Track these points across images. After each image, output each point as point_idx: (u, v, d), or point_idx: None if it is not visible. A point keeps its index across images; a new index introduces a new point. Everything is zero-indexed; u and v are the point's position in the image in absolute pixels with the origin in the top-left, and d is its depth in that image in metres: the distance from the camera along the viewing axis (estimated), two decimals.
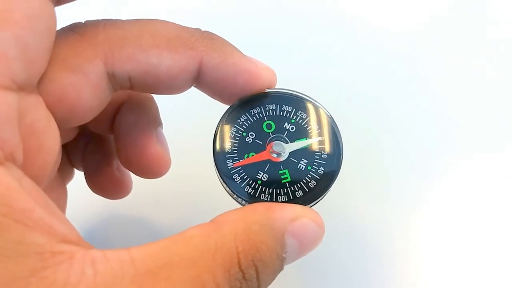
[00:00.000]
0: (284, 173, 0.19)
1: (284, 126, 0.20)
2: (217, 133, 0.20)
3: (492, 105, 0.34)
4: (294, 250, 0.17)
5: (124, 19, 0.19)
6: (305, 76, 0.35)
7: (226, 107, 0.20)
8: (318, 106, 0.20)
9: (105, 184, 0.25)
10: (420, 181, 0.31)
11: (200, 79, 0.19)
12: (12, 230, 0.13)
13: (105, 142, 0.25)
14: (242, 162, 0.19)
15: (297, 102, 0.20)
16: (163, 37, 0.18)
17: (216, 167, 0.19)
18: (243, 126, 0.20)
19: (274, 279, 0.16)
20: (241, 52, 0.20)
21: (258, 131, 0.20)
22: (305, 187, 0.19)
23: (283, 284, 0.18)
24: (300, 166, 0.19)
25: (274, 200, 0.18)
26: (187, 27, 0.19)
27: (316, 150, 0.19)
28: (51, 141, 0.17)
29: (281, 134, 0.19)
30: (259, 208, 0.17)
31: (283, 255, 0.16)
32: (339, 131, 0.20)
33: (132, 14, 0.20)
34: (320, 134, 0.20)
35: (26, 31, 0.15)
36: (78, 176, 0.26)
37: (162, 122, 0.24)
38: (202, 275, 0.14)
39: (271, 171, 0.19)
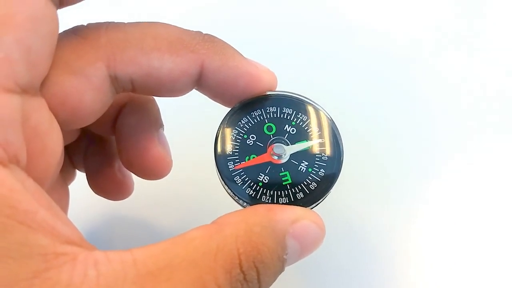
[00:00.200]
0: (285, 175, 0.19)
1: (284, 129, 0.20)
2: (218, 136, 0.20)
3: (492, 106, 0.34)
4: (295, 251, 0.17)
5: (126, 22, 0.19)
6: (305, 78, 0.35)
7: (227, 109, 0.21)
8: (318, 108, 0.20)
9: (107, 185, 0.25)
10: (419, 182, 0.31)
11: (202, 82, 0.19)
12: (15, 231, 0.13)
13: (107, 143, 0.25)
14: (243, 164, 0.19)
15: (297, 104, 0.20)
16: (164, 40, 0.18)
17: (218, 169, 0.19)
18: (244, 128, 0.20)
19: (275, 280, 0.17)
20: (242, 55, 0.20)
21: (259, 134, 0.20)
22: (306, 189, 0.19)
23: (283, 285, 0.18)
24: (301, 168, 0.19)
25: (275, 202, 0.19)
26: (189, 30, 0.19)
27: (316, 152, 0.19)
28: (54, 143, 0.17)
29: (281, 136, 0.20)
30: (260, 209, 0.17)
31: (284, 256, 0.16)
32: (339, 133, 0.20)
33: (133, 16, 0.20)
34: (321, 136, 0.20)
35: (29, 34, 0.15)
36: (80, 177, 0.26)
37: (164, 124, 0.24)
38: (204, 277, 0.15)
39: (272, 173, 0.19)
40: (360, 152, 0.31)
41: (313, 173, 0.19)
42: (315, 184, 0.19)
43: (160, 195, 0.29)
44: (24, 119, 0.16)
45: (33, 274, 0.13)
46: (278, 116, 0.20)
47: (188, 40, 0.19)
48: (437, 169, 0.31)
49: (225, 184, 0.19)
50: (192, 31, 0.19)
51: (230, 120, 0.20)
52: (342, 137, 0.20)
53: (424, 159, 0.32)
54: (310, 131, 0.20)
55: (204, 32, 0.20)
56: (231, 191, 0.19)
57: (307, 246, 0.17)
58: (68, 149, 0.25)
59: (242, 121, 0.20)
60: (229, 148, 0.19)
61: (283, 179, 0.19)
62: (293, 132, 0.20)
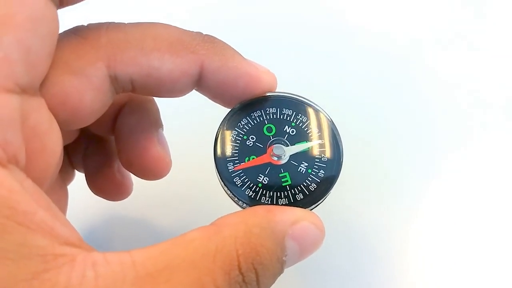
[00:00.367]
0: (285, 176, 0.19)
1: (284, 129, 0.20)
2: (218, 137, 0.20)
3: (491, 106, 0.34)
4: (295, 253, 0.17)
5: (126, 22, 0.19)
6: (305, 78, 0.35)
7: (226, 110, 0.21)
8: (318, 109, 0.20)
9: (106, 185, 0.25)
10: (419, 182, 0.31)
11: (201, 83, 0.19)
12: (14, 232, 0.13)
13: (106, 143, 0.25)
14: (243, 165, 0.19)
15: (297, 105, 0.20)
16: (164, 41, 0.18)
17: (217, 170, 0.19)
18: (244, 129, 0.20)
19: (274, 282, 0.17)
20: (242, 56, 0.20)
21: (258, 135, 0.20)
22: (305, 190, 0.19)
23: (282, 285, 0.18)
24: (301, 169, 0.19)
25: (274, 203, 0.19)
26: (189, 31, 0.19)
27: (316, 153, 0.19)
28: (53, 143, 0.17)
29: (281, 137, 0.20)
30: (259, 211, 0.17)
31: (283, 258, 0.16)
32: (339, 134, 0.20)
33: (133, 16, 0.20)
34: (321, 137, 0.20)
35: (29, 35, 0.15)
36: (79, 177, 0.26)
37: (163, 124, 0.24)
38: (202, 278, 0.14)
39: (272, 174, 0.19)
40: (359, 152, 0.31)
41: (312, 174, 0.19)
42: (314, 185, 0.19)
43: (159, 195, 0.29)
44: (23, 119, 0.16)
45: (32, 275, 0.13)
46: (278, 117, 0.20)
47: (188, 40, 0.19)
48: (437, 169, 0.31)
49: (225, 185, 0.19)
50: (192, 32, 0.19)
51: (229, 121, 0.20)
52: (341, 138, 0.20)
53: (424, 159, 0.32)
54: (310, 132, 0.20)
55: (204, 33, 0.20)
56: (231, 192, 0.19)
57: (306, 247, 0.17)
58: (67, 149, 0.25)
59: (241, 122, 0.20)
60: (228, 149, 0.19)
61: (282, 180, 0.19)
62: (293, 133, 0.20)
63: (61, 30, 0.17)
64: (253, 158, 0.19)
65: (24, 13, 0.15)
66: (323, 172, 0.19)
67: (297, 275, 0.26)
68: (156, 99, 0.24)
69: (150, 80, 0.19)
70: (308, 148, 0.19)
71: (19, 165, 0.15)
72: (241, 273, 0.15)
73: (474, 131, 0.33)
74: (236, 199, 0.19)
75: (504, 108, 0.34)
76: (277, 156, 0.19)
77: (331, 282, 0.26)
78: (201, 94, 0.21)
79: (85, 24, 0.19)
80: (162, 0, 0.39)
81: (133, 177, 0.25)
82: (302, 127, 0.20)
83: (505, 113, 0.34)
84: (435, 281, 0.27)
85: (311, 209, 0.19)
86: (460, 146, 0.32)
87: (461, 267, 0.27)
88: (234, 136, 0.20)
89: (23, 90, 0.16)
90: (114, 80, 0.19)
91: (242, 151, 0.19)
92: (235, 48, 0.20)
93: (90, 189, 0.25)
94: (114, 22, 0.19)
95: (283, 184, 0.19)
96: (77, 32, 0.18)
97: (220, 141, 0.20)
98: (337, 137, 0.20)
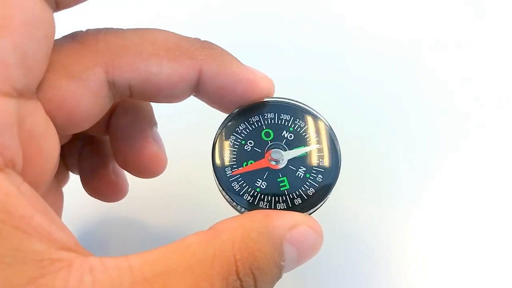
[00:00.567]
0: (283, 181, 0.19)
1: (282, 134, 0.20)
2: (216, 141, 0.20)
3: (490, 107, 0.34)
4: (293, 258, 0.17)
5: (124, 28, 0.19)
6: (303, 81, 0.35)
7: (225, 115, 0.21)
8: (316, 115, 0.20)
9: (102, 187, 0.25)
10: (417, 182, 0.31)
11: (199, 88, 0.19)
12: (11, 237, 0.13)
13: (101, 144, 0.25)
14: (241, 170, 0.19)
15: (295, 110, 0.20)
16: (162, 46, 0.19)
17: (215, 175, 0.19)
18: (242, 134, 0.20)
19: (272, 287, 0.16)
20: (239, 62, 0.20)
21: (256, 139, 0.20)
22: (303, 195, 0.19)
23: (280, 285, 0.18)
24: (299, 174, 0.19)
25: (273, 207, 0.19)
26: (187, 37, 0.19)
27: (314, 158, 0.19)
28: (50, 147, 0.17)
29: (279, 142, 0.20)
30: (257, 215, 0.17)
31: (282, 263, 0.16)
32: (337, 139, 0.20)
33: (130, 19, 0.20)
34: (318, 142, 0.20)
35: (25, 38, 0.15)
36: (73, 178, 0.26)
37: (161, 125, 0.24)
38: (200, 283, 0.14)
39: (270, 178, 0.19)
40: (358, 153, 0.31)
41: (311, 179, 0.19)
42: (313, 190, 0.19)
43: (155, 196, 0.29)
44: (20, 123, 0.16)
45: (28, 280, 0.13)
46: (276, 122, 0.20)
47: (186, 46, 0.19)
48: (436, 169, 0.31)
49: (223, 190, 0.19)
50: (190, 38, 0.19)
51: (228, 126, 0.20)
52: (340, 142, 0.20)
53: (422, 160, 0.32)
54: (308, 137, 0.20)
55: (202, 37, 0.20)
56: (229, 197, 0.19)
57: (304, 252, 0.17)
58: (62, 151, 0.25)
59: (240, 127, 0.20)
60: (226, 154, 0.19)
61: (280, 184, 0.19)
62: (291, 138, 0.20)
63: (57, 33, 0.17)
64: (251, 163, 0.19)
65: (20, 17, 0.15)
66: (321, 177, 0.19)
67: (294, 276, 0.26)
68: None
69: (148, 86, 0.19)
70: (306, 152, 0.19)
71: (16, 169, 0.15)
72: (239, 278, 0.15)
73: (472, 131, 0.33)
74: (235, 204, 0.19)
75: (502, 109, 0.34)
76: (275, 161, 0.19)
77: (329, 283, 0.26)
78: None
79: (83, 30, 0.19)
80: (160, 4, 0.39)
81: (128, 177, 0.25)
82: (300, 132, 0.20)
83: (504, 114, 0.34)
84: (434, 281, 0.27)
85: (310, 214, 0.19)
86: (459, 147, 0.32)
87: (460, 267, 0.27)
88: (232, 141, 0.20)
89: (20, 94, 0.16)
90: (112, 86, 0.18)
91: (240, 156, 0.19)
92: (233, 51, 0.20)
93: (86, 190, 0.25)
94: (112, 28, 0.19)
95: (281, 189, 0.19)
96: (75, 37, 0.18)
97: (218, 146, 0.20)
98: (335, 142, 0.20)
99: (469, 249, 0.28)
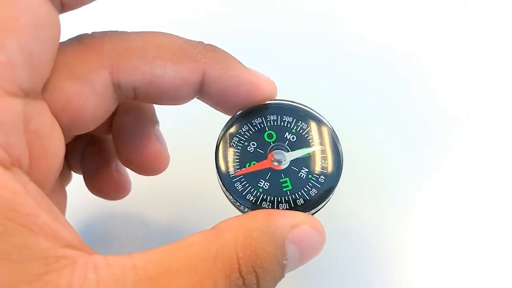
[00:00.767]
0: (285, 181, 0.19)
1: (285, 136, 0.20)
2: (219, 142, 0.20)
3: (488, 107, 0.34)
4: (295, 257, 0.17)
5: (129, 31, 0.19)
6: (304, 84, 0.35)
7: (227, 117, 0.21)
8: (318, 117, 0.20)
9: (105, 185, 0.25)
10: (418, 182, 0.31)
11: (203, 90, 0.20)
12: (17, 234, 0.13)
13: (103, 143, 0.25)
14: (244, 170, 0.19)
15: (297, 113, 0.20)
16: (167, 49, 0.19)
17: (218, 176, 0.19)
18: (245, 135, 0.20)
19: (275, 286, 0.17)
20: (242, 64, 0.20)
21: (259, 141, 0.20)
22: (306, 195, 0.19)
23: (281, 285, 0.18)
24: (301, 174, 0.19)
25: (275, 208, 0.19)
26: (190, 40, 0.20)
27: (317, 159, 0.19)
28: (55, 147, 0.18)
29: (282, 143, 0.20)
30: (260, 215, 0.17)
31: (284, 262, 0.16)
32: (339, 140, 0.20)
33: (135, 24, 0.20)
34: (321, 143, 0.20)
35: (31, 39, 0.15)
36: (75, 176, 0.26)
37: (163, 123, 0.24)
38: (203, 281, 0.15)
39: (273, 179, 0.19)
40: (358, 153, 0.31)
41: (313, 180, 0.19)
42: (315, 190, 0.19)
43: (157, 194, 0.29)
44: (26, 122, 0.16)
45: (34, 277, 0.13)
46: (279, 124, 0.20)
47: (190, 49, 0.19)
48: (436, 169, 0.31)
49: (226, 191, 0.19)
50: (194, 41, 0.20)
51: (231, 127, 0.20)
52: (341, 143, 0.20)
53: (422, 160, 0.32)
54: (310, 139, 0.20)
55: (205, 40, 0.20)
56: (232, 197, 0.19)
57: (306, 251, 0.17)
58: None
59: (243, 128, 0.20)
60: (230, 154, 0.20)
61: (283, 185, 0.19)
62: (293, 140, 0.20)
63: (62, 36, 0.18)
64: (254, 164, 0.19)
65: (27, 18, 0.15)
66: (324, 178, 0.19)
67: (295, 275, 0.26)
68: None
69: (153, 88, 0.19)
70: (309, 154, 0.20)
71: (22, 168, 0.15)
72: (242, 276, 0.15)
73: (472, 131, 0.33)
74: (238, 204, 0.19)
75: (501, 110, 0.34)
76: (278, 161, 0.19)
77: (330, 283, 0.26)
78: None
79: (89, 32, 0.19)
80: (163, 6, 0.40)
81: (131, 175, 0.25)
82: (303, 134, 0.20)
83: (504, 114, 0.34)
84: (435, 281, 0.27)
85: (312, 214, 0.19)
86: (459, 147, 0.32)
87: (461, 267, 0.27)
88: (236, 142, 0.20)
89: (26, 94, 0.16)
90: (117, 88, 0.19)
91: (243, 156, 0.20)
92: (235, 55, 0.20)
93: (89, 189, 0.25)
94: (117, 31, 0.19)
95: (284, 190, 0.19)
96: (80, 39, 0.19)
97: (222, 147, 0.20)
98: (337, 143, 0.20)
99: (469, 249, 0.28)
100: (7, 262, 0.13)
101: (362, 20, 0.40)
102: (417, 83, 0.36)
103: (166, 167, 0.24)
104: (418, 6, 0.40)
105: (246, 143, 0.20)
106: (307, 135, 0.20)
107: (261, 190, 0.19)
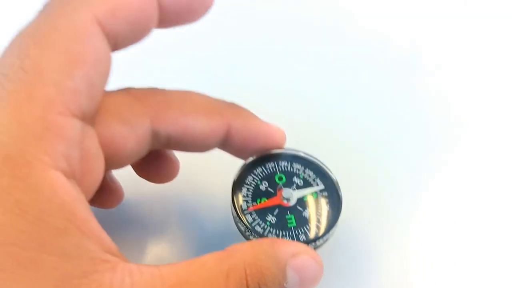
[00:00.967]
0: (291, 218, 0.22)
1: (293, 180, 0.23)
2: (236, 180, 0.23)
3: (489, 108, 0.35)
4: (295, 283, 0.19)
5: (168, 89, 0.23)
6: (304, 82, 0.36)
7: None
8: (324, 168, 0.24)
9: (100, 194, 0.26)
10: (418, 182, 0.31)
11: (227, 140, 0.23)
12: (73, 234, 0.16)
13: None
14: (256, 206, 0.22)
15: (307, 162, 0.24)
16: (199, 105, 0.23)
17: (234, 208, 0.22)
18: (259, 176, 0.24)
19: None
20: (258, 117, 0.24)
21: (270, 181, 0.23)
22: (307, 233, 0.22)
23: None
24: (305, 214, 0.22)
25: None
26: (216, 98, 0.23)
27: (319, 203, 0.23)
28: (99, 168, 0.20)
29: (290, 186, 0.23)
30: (265, 241, 0.20)
31: (284, 284, 0.19)
32: (340, 189, 0.23)
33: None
34: (324, 190, 0.23)
35: (93, 72, 0.18)
36: None
37: None
38: None
39: (279, 215, 0.22)
40: (359, 152, 0.32)
41: (315, 220, 0.22)
42: (315, 230, 0.22)
43: (155, 201, 0.29)
44: (81, 142, 0.19)
45: (83, 274, 0.15)
46: (289, 169, 0.24)
47: (217, 105, 0.23)
48: (436, 170, 0.31)
49: (239, 220, 0.22)
50: (219, 99, 0.24)
51: (247, 167, 0.24)
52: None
53: (423, 160, 0.32)
54: (316, 184, 0.23)
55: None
56: (244, 227, 0.22)
57: (306, 279, 0.19)
58: None
59: (257, 169, 0.24)
60: (244, 190, 0.23)
61: (288, 221, 0.22)
62: (301, 184, 0.23)
63: None
64: (264, 200, 0.23)
65: (91, 53, 0.18)
66: (324, 220, 0.22)
67: None
68: None
69: (185, 137, 0.22)
70: (313, 194, 0.23)
71: (75, 180, 0.18)
72: None
73: (473, 132, 0.33)
74: (248, 233, 0.22)
75: (502, 110, 0.34)
76: (286, 199, 0.23)
77: (330, 282, 0.26)
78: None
79: (135, 86, 0.22)
80: None
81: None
82: (309, 181, 0.24)
83: (504, 115, 0.34)
84: (435, 281, 0.27)
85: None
86: (459, 147, 0.32)
87: (461, 267, 0.27)
88: (250, 181, 0.23)
89: (83, 117, 0.18)
90: (155, 135, 0.22)
91: (255, 193, 0.23)
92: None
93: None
94: (159, 88, 0.23)
95: (289, 225, 0.22)
96: (129, 91, 0.22)
97: (238, 183, 0.23)
98: (339, 192, 0.23)
99: (471, 249, 0.28)
100: (64, 257, 0.15)
101: (362, 19, 0.40)
102: (420, 85, 0.36)
103: (177, 175, 0.26)
104: (418, 6, 0.41)
105: (259, 182, 0.23)
106: (313, 181, 0.24)
107: (268, 223, 0.22)
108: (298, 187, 0.23)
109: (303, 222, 0.22)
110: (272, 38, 0.39)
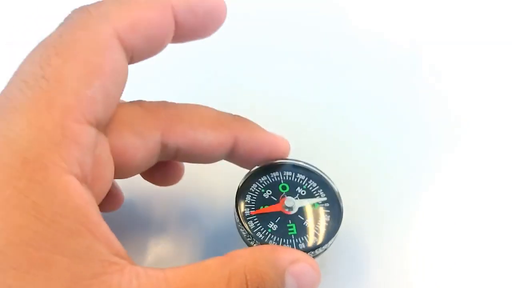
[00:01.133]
0: (291, 227, 0.23)
1: (296, 190, 0.24)
2: (240, 186, 0.24)
3: (490, 109, 0.35)
4: None
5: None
6: (304, 80, 0.37)
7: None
8: (326, 178, 0.25)
9: (104, 199, 0.28)
10: (419, 182, 0.31)
11: (234, 151, 0.24)
12: (85, 237, 0.16)
13: None
14: (258, 211, 0.23)
15: (310, 173, 0.25)
16: (207, 119, 0.23)
17: (237, 213, 0.23)
18: (263, 184, 0.24)
19: None
20: (263, 128, 0.25)
21: (274, 190, 0.24)
22: (307, 242, 0.23)
23: None
24: (306, 223, 0.23)
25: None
26: (223, 112, 0.24)
27: (320, 213, 0.24)
28: (109, 175, 0.21)
29: (293, 195, 0.24)
30: (265, 248, 0.20)
31: None
32: (341, 200, 0.24)
33: None
34: (326, 201, 0.24)
35: (110, 83, 0.19)
36: None
37: None
38: None
39: (281, 223, 0.23)
40: (359, 152, 0.32)
41: (315, 230, 0.23)
42: (315, 238, 0.23)
43: (154, 201, 0.30)
44: (94, 148, 0.19)
45: (93, 275, 0.16)
46: (293, 179, 0.25)
47: (224, 119, 0.24)
48: (436, 169, 0.32)
49: (242, 226, 0.23)
50: (226, 112, 0.25)
51: (252, 175, 0.25)
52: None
53: (423, 159, 0.32)
54: (318, 195, 0.24)
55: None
56: (246, 232, 0.23)
57: (303, 285, 0.20)
58: None
59: (262, 178, 0.24)
60: (248, 197, 0.24)
61: (289, 229, 0.23)
62: (303, 194, 0.24)
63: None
64: (266, 207, 0.23)
65: (110, 65, 0.19)
66: (325, 229, 0.23)
67: None
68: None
69: (194, 149, 0.23)
70: (315, 205, 0.24)
71: (87, 185, 0.19)
72: None
73: (474, 132, 0.33)
74: (249, 239, 0.23)
75: (502, 110, 0.34)
76: (288, 207, 0.23)
77: (330, 282, 0.26)
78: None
79: (147, 100, 0.23)
80: None
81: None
82: (312, 191, 0.24)
83: (504, 115, 0.34)
84: (435, 281, 0.27)
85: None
86: (459, 147, 0.33)
87: (461, 267, 0.27)
88: (254, 188, 0.24)
89: (98, 126, 0.19)
90: (164, 147, 0.23)
91: (259, 200, 0.24)
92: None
93: None
94: (170, 102, 0.24)
95: (289, 233, 0.23)
96: (141, 104, 0.23)
97: (242, 190, 0.24)
98: (340, 203, 0.24)
99: (471, 249, 0.28)
100: (75, 258, 0.16)
101: (361, 20, 0.40)
102: (418, 84, 0.36)
103: (181, 178, 0.27)
104: (418, 6, 0.41)
105: (263, 190, 0.24)
106: (315, 192, 0.24)
107: (269, 230, 0.23)
108: (301, 196, 0.24)
109: (304, 231, 0.23)
110: (269, 40, 0.39)
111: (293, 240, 0.23)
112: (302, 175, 0.25)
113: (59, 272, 0.16)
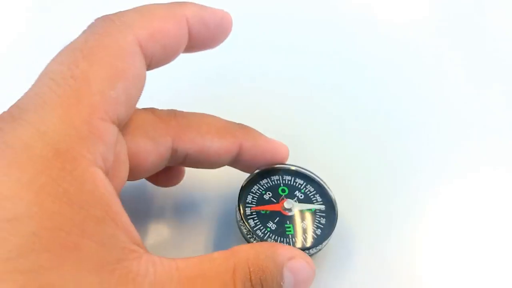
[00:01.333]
0: (289, 227, 0.25)
1: (295, 193, 0.26)
2: (242, 188, 0.26)
3: (491, 109, 0.35)
4: (290, 283, 0.22)
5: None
6: (307, 77, 0.37)
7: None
8: (323, 184, 0.27)
9: None
10: (419, 182, 0.31)
11: (238, 157, 0.26)
12: (109, 225, 0.18)
13: None
14: (258, 207, 0.25)
15: (308, 179, 0.27)
16: (214, 127, 0.25)
17: (238, 211, 0.25)
18: (264, 186, 0.26)
19: None
20: (264, 135, 0.27)
21: (274, 192, 0.26)
22: (303, 242, 0.25)
23: None
24: (303, 225, 0.25)
25: None
26: (229, 121, 0.26)
27: (317, 216, 0.26)
28: (125, 173, 0.22)
29: (292, 198, 0.26)
30: (265, 244, 0.22)
31: (282, 283, 0.21)
32: (336, 204, 0.26)
33: None
34: (322, 205, 0.26)
35: (131, 86, 0.20)
36: None
37: None
38: (227, 284, 0.20)
39: (279, 223, 0.25)
40: (360, 151, 0.33)
41: (311, 231, 0.25)
42: (311, 239, 0.25)
43: (153, 200, 0.30)
44: (115, 146, 0.21)
45: (116, 261, 0.17)
46: (292, 183, 0.27)
47: (230, 127, 0.26)
48: (436, 170, 0.32)
49: (243, 223, 0.25)
50: (231, 121, 0.26)
51: (253, 178, 0.27)
52: (339, 200, 0.26)
53: (423, 159, 0.32)
54: (315, 200, 0.26)
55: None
56: (246, 229, 0.24)
57: (299, 281, 0.22)
58: None
59: (263, 181, 0.27)
60: (249, 197, 0.26)
61: (287, 229, 0.25)
62: (301, 197, 0.26)
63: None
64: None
65: (132, 70, 0.21)
66: (320, 231, 0.25)
67: None
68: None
69: (201, 155, 0.25)
70: (312, 210, 0.26)
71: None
72: (252, 286, 0.20)
73: (479, 133, 0.34)
74: (249, 236, 0.24)
75: (502, 110, 0.35)
76: (287, 209, 0.25)
77: (330, 282, 0.27)
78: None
79: (159, 108, 0.25)
80: None
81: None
82: (309, 195, 0.26)
83: (504, 115, 0.35)
84: (435, 281, 0.27)
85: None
86: (460, 147, 0.33)
87: (461, 267, 0.27)
88: (255, 189, 0.26)
89: (119, 125, 0.20)
90: (174, 152, 0.24)
91: (259, 201, 0.26)
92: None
93: None
94: (178, 110, 0.25)
95: (287, 233, 0.25)
96: (154, 111, 0.25)
97: (244, 190, 0.26)
98: (335, 207, 0.26)
99: (470, 249, 0.28)
100: (101, 244, 0.17)
101: (361, 21, 0.41)
102: (418, 84, 0.37)
103: (181, 180, 0.28)
104: (418, 6, 0.42)
105: (263, 192, 0.26)
106: (313, 196, 0.26)
107: (268, 229, 0.25)
108: (299, 200, 0.26)
109: (300, 231, 0.25)
110: (268, 43, 0.40)
111: (290, 240, 0.25)
112: (301, 180, 0.27)
113: (88, 255, 0.17)
